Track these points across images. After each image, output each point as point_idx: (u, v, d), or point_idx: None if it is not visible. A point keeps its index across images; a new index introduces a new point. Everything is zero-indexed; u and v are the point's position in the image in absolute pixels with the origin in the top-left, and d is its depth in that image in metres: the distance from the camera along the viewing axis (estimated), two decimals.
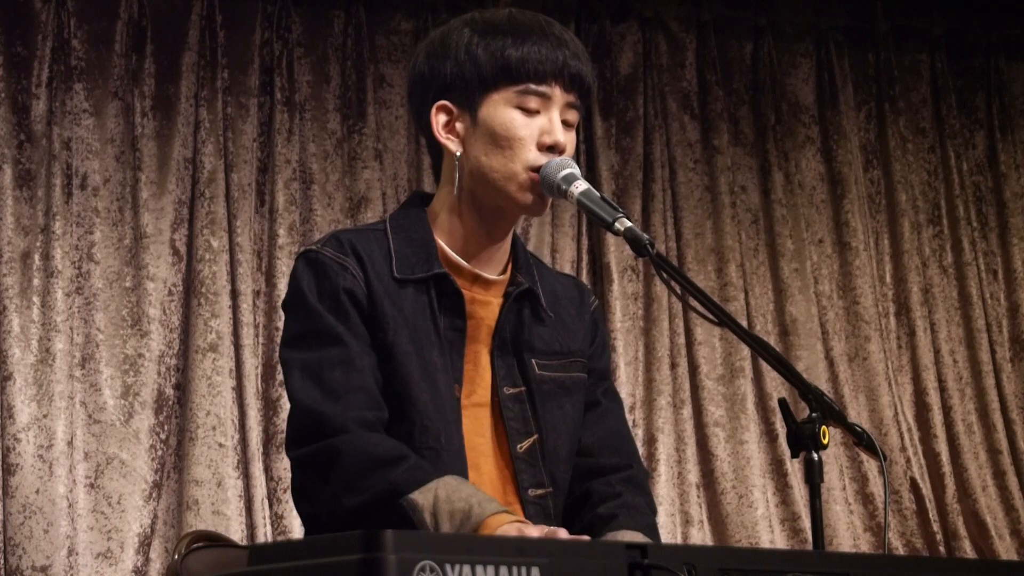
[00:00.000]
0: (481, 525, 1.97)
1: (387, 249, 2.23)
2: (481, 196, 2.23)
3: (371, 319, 2.17)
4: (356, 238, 2.23)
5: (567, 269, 4.70)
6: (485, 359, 2.26)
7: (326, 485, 2.09)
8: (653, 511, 2.32)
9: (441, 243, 2.25)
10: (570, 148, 2.23)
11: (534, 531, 1.94)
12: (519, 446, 2.24)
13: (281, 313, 4.39)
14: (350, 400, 2.11)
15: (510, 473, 2.23)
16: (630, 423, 3.98)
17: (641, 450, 4.66)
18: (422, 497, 2.01)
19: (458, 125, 2.24)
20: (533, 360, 2.28)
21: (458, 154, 2.24)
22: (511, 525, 1.96)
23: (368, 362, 2.15)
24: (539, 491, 2.23)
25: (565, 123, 2.23)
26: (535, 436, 2.25)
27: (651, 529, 2.26)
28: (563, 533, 1.94)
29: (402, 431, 2.15)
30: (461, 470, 2.16)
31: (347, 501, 2.06)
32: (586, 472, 2.32)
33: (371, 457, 2.07)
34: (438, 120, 2.25)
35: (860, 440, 2.16)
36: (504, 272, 2.30)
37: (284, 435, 4.33)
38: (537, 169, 2.19)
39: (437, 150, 2.30)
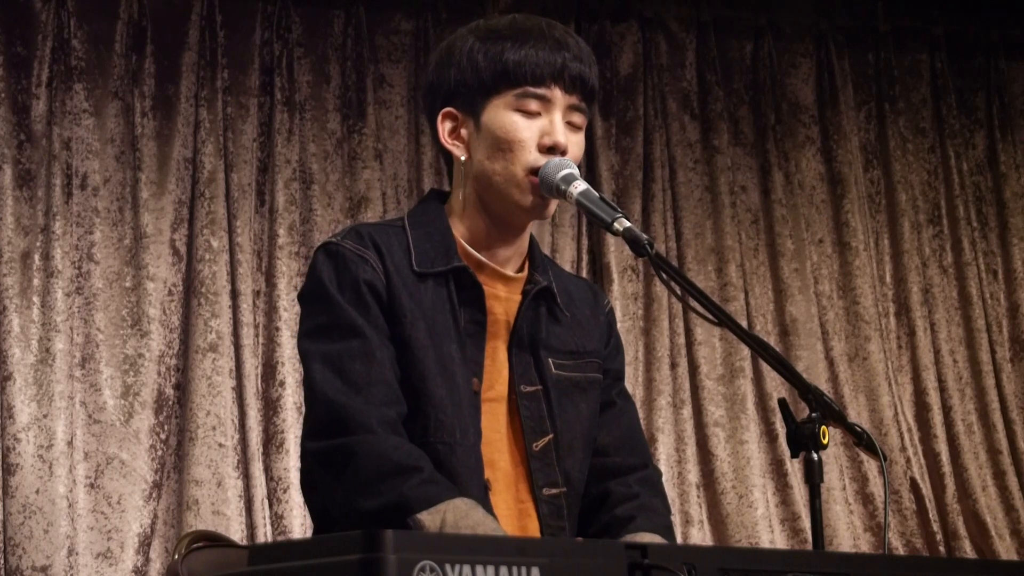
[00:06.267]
0: None
1: (406, 243, 2.24)
2: (486, 200, 2.25)
3: (390, 312, 2.19)
4: (376, 231, 2.24)
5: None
6: (502, 355, 2.27)
7: (340, 483, 2.10)
8: (668, 511, 2.34)
9: (459, 239, 2.27)
10: (576, 151, 2.24)
11: None
12: (535, 444, 2.25)
13: (281, 312, 4.43)
14: (371, 393, 2.12)
15: (524, 470, 2.24)
16: None
17: None
18: (430, 519, 2.01)
19: (463, 131, 2.26)
20: (550, 359, 2.29)
21: (463, 159, 2.26)
22: None
23: (387, 355, 2.16)
24: (553, 490, 2.25)
25: (570, 125, 2.24)
26: (551, 435, 2.26)
27: (667, 530, 2.28)
28: None
29: (417, 425, 2.16)
30: (476, 465, 2.17)
31: (358, 504, 2.07)
32: (603, 472, 2.33)
33: (387, 462, 2.07)
34: (444, 127, 2.27)
35: (860, 440, 2.16)
36: (521, 270, 2.31)
37: (284, 435, 4.36)
38: (537, 171, 2.19)
39: (448, 156, 2.31)
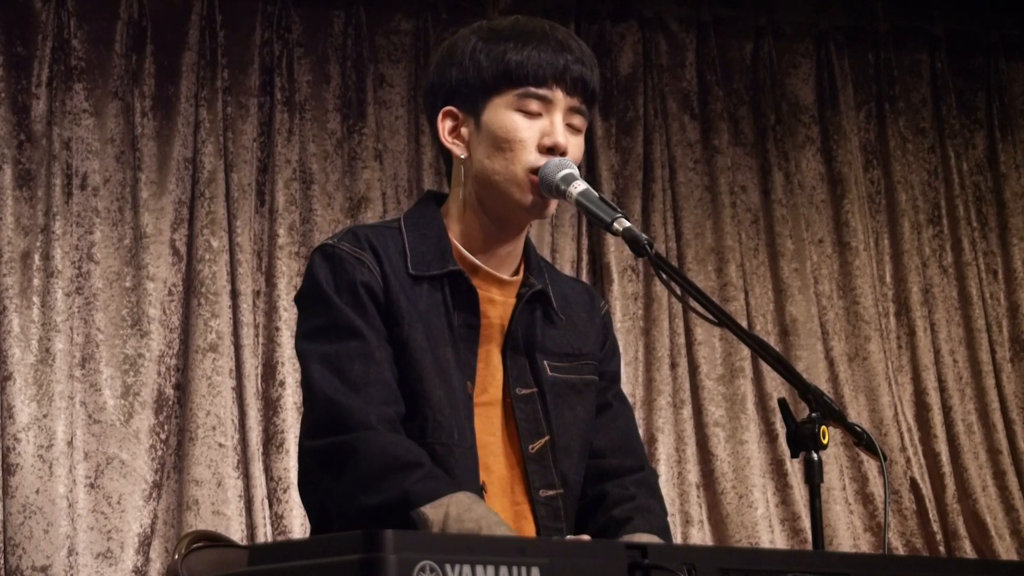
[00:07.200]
0: None
1: (402, 246, 2.24)
2: (485, 199, 2.25)
3: (387, 313, 2.19)
4: (372, 233, 2.25)
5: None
6: (497, 358, 2.27)
7: (341, 481, 2.10)
8: (665, 512, 2.34)
9: (455, 242, 2.27)
10: (575, 153, 2.24)
11: None
12: (531, 447, 2.25)
13: (281, 312, 4.43)
14: (370, 393, 2.13)
15: (520, 473, 2.24)
16: None
17: None
18: (433, 512, 2.01)
19: (463, 130, 2.27)
20: (545, 361, 2.29)
21: (463, 158, 2.26)
22: None
23: (386, 355, 2.17)
24: (550, 492, 2.25)
25: (571, 127, 2.25)
26: (547, 437, 2.26)
27: (664, 531, 2.28)
28: (587, 539, 1.95)
29: (415, 426, 2.16)
30: (473, 467, 2.17)
31: (360, 500, 2.07)
32: (599, 474, 2.33)
33: (389, 459, 2.07)
34: (444, 125, 2.28)
35: (860, 440, 2.16)
36: (517, 273, 2.31)
37: (284, 435, 4.36)
38: (537, 171, 2.20)
39: (447, 155, 2.31)
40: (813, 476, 2.04)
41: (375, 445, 2.08)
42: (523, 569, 1.50)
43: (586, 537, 2.00)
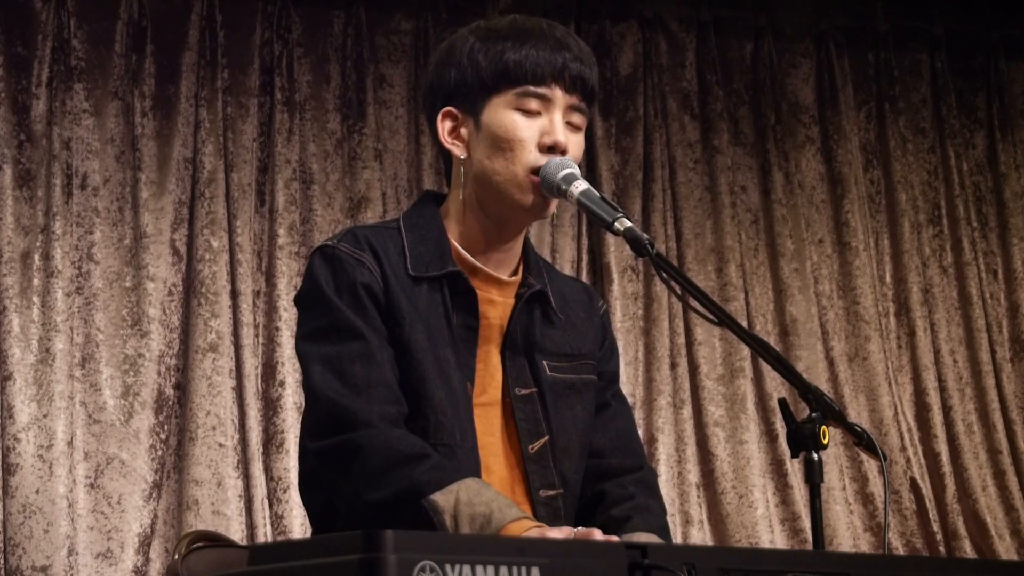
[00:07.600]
0: (501, 530, 1.98)
1: (401, 247, 2.25)
2: (486, 200, 2.25)
3: (388, 314, 2.19)
4: (372, 234, 2.25)
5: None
6: (496, 359, 2.27)
7: (347, 479, 2.11)
8: (664, 512, 2.34)
9: (454, 243, 2.27)
10: (576, 151, 2.24)
11: (557, 535, 1.95)
12: (530, 447, 2.25)
13: (281, 312, 4.43)
14: (372, 394, 2.13)
15: (520, 473, 2.25)
16: None
17: None
18: (443, 499, 2.02)
19: (463, 130, 2.27)
20: (544, 361, 2.29)
21: (463, 158, 2.26)
22: (533, 531, 1.97)
23: (387, 356, 2.17)
24: (550, 492, 2.25)
25: (570, 125, 2.25)
26: (546, 437, 2.26)
27: (664, 531, 2.28)
28: (597, 534, 1.95)
29: (417, 427, 2.17)
30: (475, 467, 2.18)
31: (368, 496, 2.08)
32: (598, 473, 2.34)
33: (394, 453, 2.08)
34: (444, 126, 2.28)
35: (860, 440, 2.17)
36: (515, 274, 2.32)
37: (284, 435, 4.35)
38: (538, 171, 2.20)
39: (447, 156, 2.31)
40: (813, 476, 2.04)
41: (379, 441, 2.09)
42: (523, 569, 1.50)
43: (597, 531, 1.99)
